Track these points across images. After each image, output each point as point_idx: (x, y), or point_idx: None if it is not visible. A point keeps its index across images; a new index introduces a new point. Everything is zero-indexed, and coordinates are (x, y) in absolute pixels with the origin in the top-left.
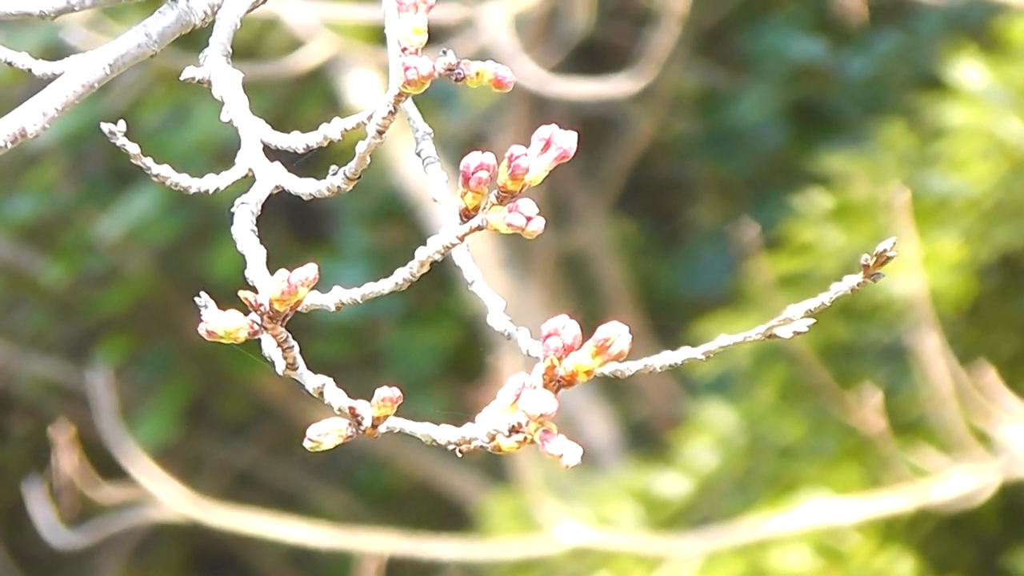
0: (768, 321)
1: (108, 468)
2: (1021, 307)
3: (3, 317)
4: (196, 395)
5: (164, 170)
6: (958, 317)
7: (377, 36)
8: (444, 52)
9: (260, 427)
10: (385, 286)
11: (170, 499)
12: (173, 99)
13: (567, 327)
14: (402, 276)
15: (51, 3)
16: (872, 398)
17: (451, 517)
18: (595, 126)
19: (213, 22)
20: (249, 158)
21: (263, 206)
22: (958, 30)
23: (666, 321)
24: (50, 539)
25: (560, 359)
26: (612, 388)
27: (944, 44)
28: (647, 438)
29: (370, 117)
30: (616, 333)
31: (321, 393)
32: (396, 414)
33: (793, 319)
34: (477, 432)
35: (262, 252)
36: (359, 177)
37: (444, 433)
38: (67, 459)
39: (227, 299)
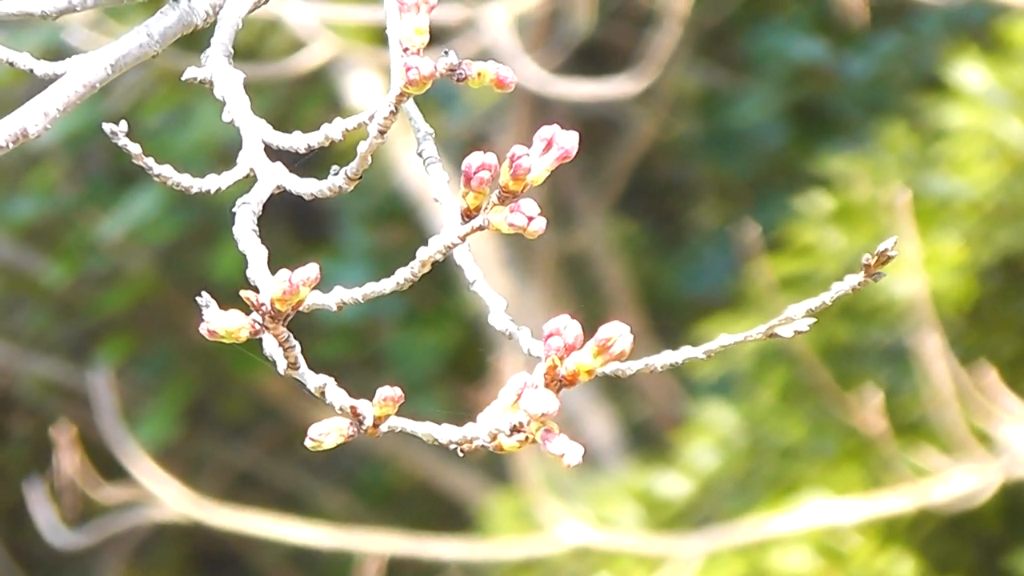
0: (769, 322)
1: (109, 468)
2: (1022, 309)
3: (4, 317)
4: (197, 395)
5: (166, 170)
6: (959, 318)
7: (378, 37)
8: (446, 52)
9: (261, 427)
10: (386, 286)
11: (171, 499)
12: (174, 100)
13: (569, 327)
14: (403, 276)
15: (52, 3)
16: (873, 399)
17: (452, 517)
18: (596, 127)
19: (215, 22)
20: (251, 158)
21: (264, 206)
22: (959, 31)
23: (667, 322)
24: (51, 539)
25: (562, 359)
26: (613, 388)
27: (945, 45)
28: (648, 438)
29: (372, 117)
30: (617, 333)
31: (322, 393)
32: (397, 414)
33: (794, 318)
34: (479, 431)
35: (263, 252)
36: (360, 177)
37: (446, 432)
38: (68, 459)
39: (228, 299)
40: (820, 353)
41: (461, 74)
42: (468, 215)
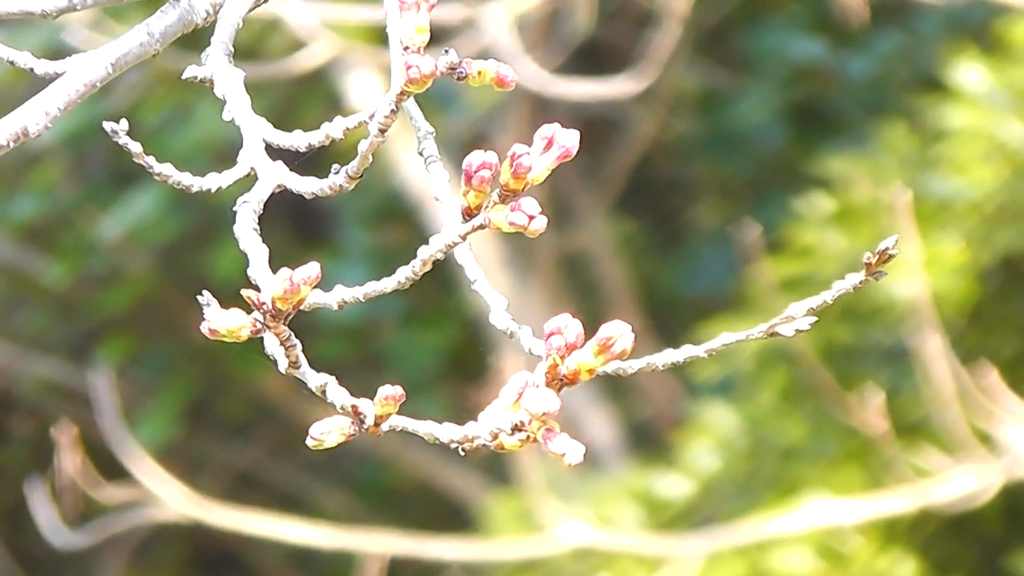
0: (770, 321)
1: (110, 468)
2: (1022, 309)
3: (4, 317)
4: (197, 395)
5: (166, 169)
6: (960, 319)
7: (379, 37)
8: (446, 51)
9: (262, 427)
10: (387, 285)
11: (172, 499)
12: (174, 99)
13: (570, 326)
14: (404, 275)
15: (53, 2)
16: (874, 399)
17: (453, 517)
18: (596, 127)
19: (215, 21)
20: (251, 157)
21: (265, 206)
22: (959, 31)
23: (667, 322)
24: (52, 539)
25: (563, 357)
26: (614, 389)
27: (945, 45)
28: (649, 439)
29: (372, 116)
30: (619, 332)
31: (323, 391)
32: (398, 413)
33: (795, 317)
34: (480, 430)
35: (264, 251)
36: (361, 176)
37: (447, 431)
38: (69, 459)
39: (229, 299)
40: (821, 354)
41: (461, 73)
42: (469, 214)
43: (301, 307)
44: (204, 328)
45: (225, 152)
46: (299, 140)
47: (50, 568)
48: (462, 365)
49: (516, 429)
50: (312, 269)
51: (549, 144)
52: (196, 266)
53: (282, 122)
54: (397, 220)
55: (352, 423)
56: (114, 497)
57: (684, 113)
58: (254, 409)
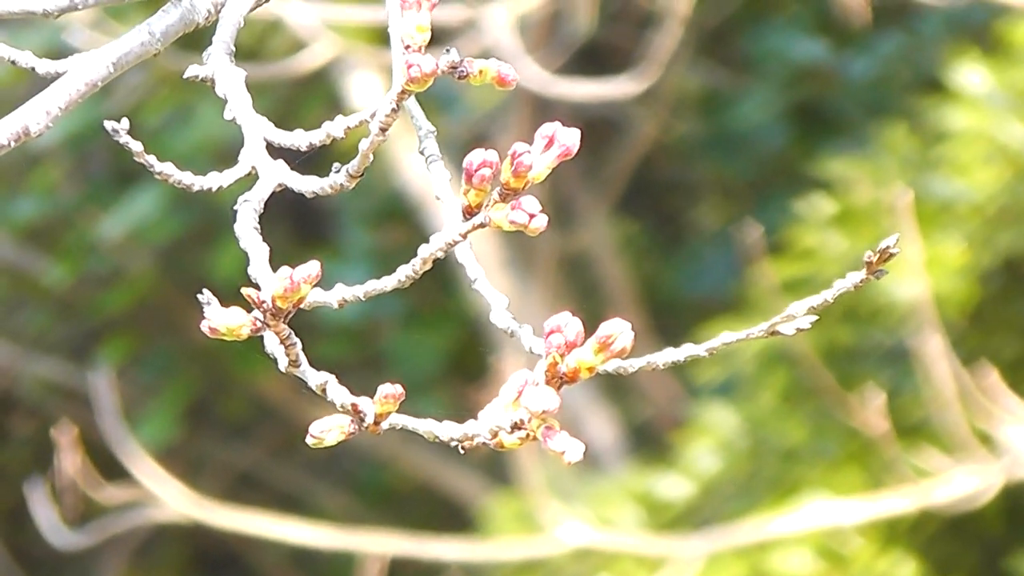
0: (771, 328)
1: (110, 469)
2: (1023, 310)
3: (5, 318)
4: (198, 396)
5: (167, 168)
6: (961, 320)
7: (380, 38)
8: (447, 50)
9: (262, 428)
10: (388, 283)
11: (172, 500)
12: (175, 101)
13: (570, 324)
14: (405, 273)
15: (55, 1)
16: (875, 400)
17: (453, 518)
18: (598, 127)
19: (216, 21)
20: (252, 156)
21: (265, 206)
22: (960, 32)
23: (668, 322)
24: (52, 540)
25: (563, 355)
26: (614, 389)
27: (946, 46)
28: (649, 440)
29: (373, 115)
30: (619, 330)
31: (324, 390)
32: (397, 412)
33: (796, 316)
34: (480, 429)
35: (265, 249)
36: (362, 175)
37: (447, 429)
38: (69, 460)
39: (229, 299)
40: (822, 355)
41: (463, 72)
42: (469, 212)
43: (301, 306)
44: (204, 326)
45: (226, 153)
46: (300, 139)
47: (50, 568)
48: (462, 366)
49: (516, 427)
50: (312, 268)
51: (550, 143)
52: (197, 267)
53: (283, 123)
54: (398, 221)
55: (352, 421)
56: (114, 497)
57: (685, 114)
58: (254, 410)
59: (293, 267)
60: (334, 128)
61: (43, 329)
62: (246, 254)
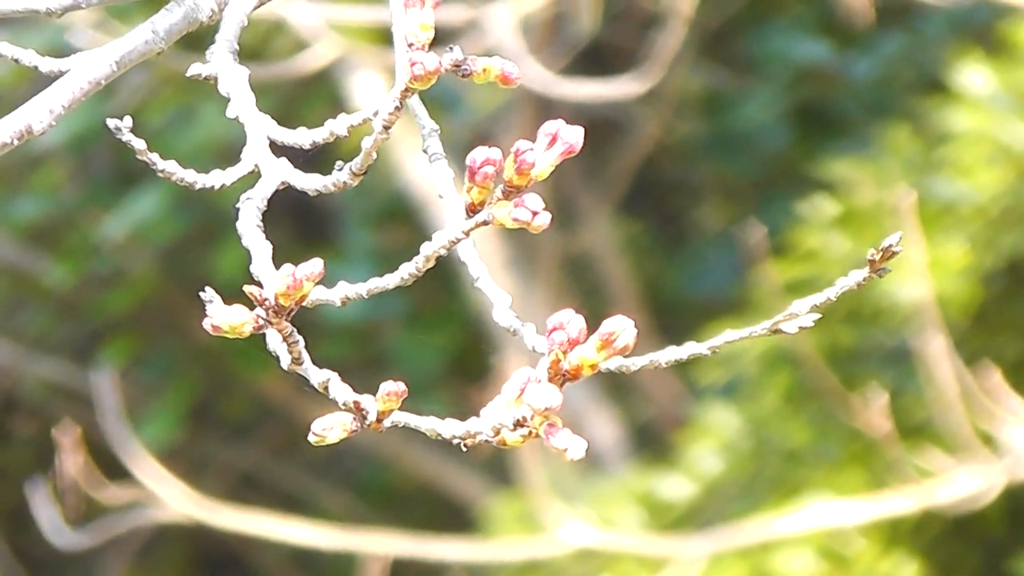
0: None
1: (112, 469)
2: None
3: (7, 318)
4: (200, 396)
5: (170, 165)
6: (964, 321)
7: (383, 38)
8: (451, 48)
9: (264, 428)
10: (391, 281)
11: (174, 500)
12: (178, 101)
13: (572, 321)
14: (408, 271)
15: (58, 0)
16: (877, 401)
17: (455, 518)
18: (600, 128)
19: (220, 19)
20: (255, 154)
21: (268, 206)
22: (963, 33)
23: (671, 323)
24: (54, 540)
25: (565, 353)
26: (617, 390)
27: (949, 47)
28: (652, 440)
29: (376, 113)
30: (621, 327)
31: (326, 388)
32: (400, 411)
33: (799, 314)
34: (482, 426)
35: (268, 247)
36: (365, 173)
37: (449, 427)
38: (71, 460)
39: (231, 300)
40: (825, 356)
41: (466, 70)
42: (472, 210)
43: (304, 303)
44: (206, 324)
45: (229, 153)
46: (303, 137)
47: (52, 569)
48: (465, 366)
49: (518, 425)
50: (315, 265)
51: (553, 140)
52: (199, 267)
53: (286, 123)
54: (400, 221)
55: (354, 419)
56: (116, 498)
57: (688, 114)
58: (257, 410)
59: (295, 266)
60: (337, 126)
61: (45, 329)
62: (249, 252)
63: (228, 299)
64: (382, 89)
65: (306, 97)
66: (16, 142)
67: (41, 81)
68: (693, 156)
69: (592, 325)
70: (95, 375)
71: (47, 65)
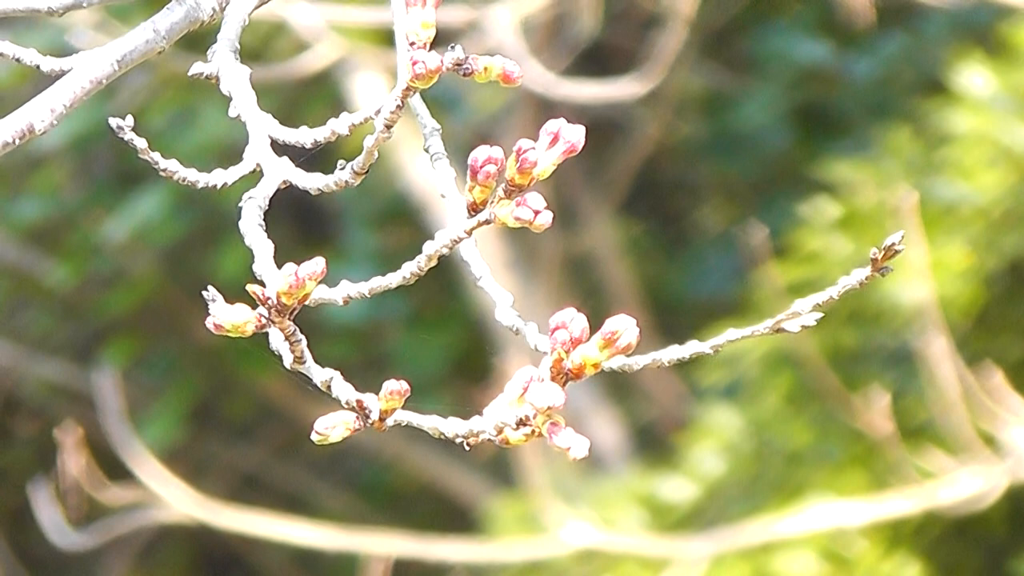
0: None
1: (114, 470)
2: None
3: (9, 319)
4: (202, 397)
5: (171, 165)
6: (965, 323)
7: (384, 39)
8: (452, 47)
9: (266, 429)
10: (393, 280)
11: (176, 500)
12: (179, 102)
13: (575, 320)
14: (410, 270)
15: (59, 0)
16: (879, 402)
17: (457, 519)
18: (602, 128)
19: (221, 19)
20: (257, 153)
21: (269, 208)
22: (964, 34)
23: (672, 323)
24: (56, 540)
25: (568, 352)
26: (618, 391)
27: (950, 48)
28: (653, 442)
29: (378, 112)
30: (624, 326)
31: (329, 386)
32: (402, 410)
33: (801, 313)
34: (485, 425)
35: (270, 246)
36: (367, 172)
37: (451, 426)
38: (73, 461)
39: (233, 301)
40: (826, 357)
41: (467, 69)
42: (474, 209)
43: (306, 302)
44: (209, 323)
45: (230, 154)
46: (305, 136)
47: (54, 569)
48: (467, 367)
49: (521, 424)
50: (317, 264)
51: (555, 139)
52: (201, 268)
53: (287, 124)
54: (401, 222)
55: (357, 418)
56: (118, 498)
57: (689, 115)
58: (259, 410)
59: (298, 265)
60: (339, 125)
61: (47, 330)
62: (251, 251)
63: (230, 299)
64: (383, 90)
65: (307, 98)
66: (18, 141)
67: (42, 81)
68: (694, 157)
69: (593, 326)
70: (97, 375)
71: (48, 64)
